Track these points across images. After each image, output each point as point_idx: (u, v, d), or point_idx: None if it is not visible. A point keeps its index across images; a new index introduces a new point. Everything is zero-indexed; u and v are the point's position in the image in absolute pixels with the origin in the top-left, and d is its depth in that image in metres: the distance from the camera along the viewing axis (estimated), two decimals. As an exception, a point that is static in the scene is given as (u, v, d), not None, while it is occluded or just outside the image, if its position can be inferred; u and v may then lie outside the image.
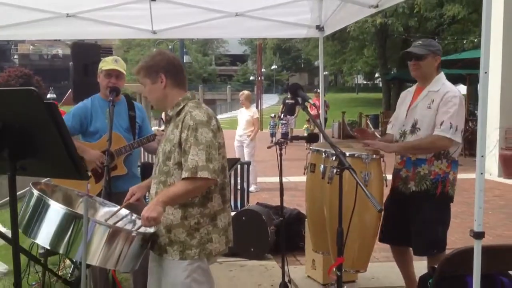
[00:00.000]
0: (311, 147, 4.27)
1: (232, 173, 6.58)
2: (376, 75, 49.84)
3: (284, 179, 4.49)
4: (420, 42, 3.86)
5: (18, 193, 2.20)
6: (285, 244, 4.61)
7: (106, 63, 3.97)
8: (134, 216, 3.05)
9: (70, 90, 6.67)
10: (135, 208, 3.15)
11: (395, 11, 22.79)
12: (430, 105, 3.72)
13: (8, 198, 6.24)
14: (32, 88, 1.86)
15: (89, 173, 3.92)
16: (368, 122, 21.60)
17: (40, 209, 2.52)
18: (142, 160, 7.66)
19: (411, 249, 3.96)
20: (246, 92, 10.36)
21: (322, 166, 3.89)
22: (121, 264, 2.59)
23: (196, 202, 2.72)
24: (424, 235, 3.76)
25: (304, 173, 4.25)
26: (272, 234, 5.56)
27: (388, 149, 3.86)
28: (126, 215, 3.03)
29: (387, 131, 4.24)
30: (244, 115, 9.95)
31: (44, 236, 2.51)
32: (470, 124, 15.62)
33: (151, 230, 2.77)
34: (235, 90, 56.51)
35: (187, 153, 2.63)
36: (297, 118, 19.38)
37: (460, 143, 3.71)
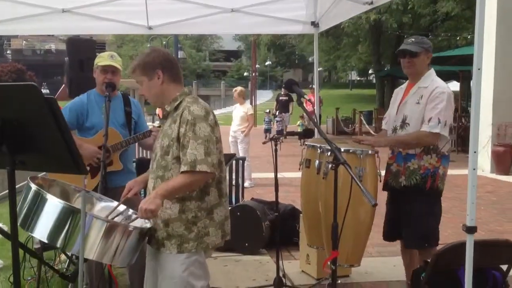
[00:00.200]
0: (306, 143, 4.30)
1: (227, 168, 6.60)
2: (370, 71, 49.95)
3: (278, 175, 4.52)
4: (413, 39, 3.91)
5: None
6: (280, 239, 4.65)
7: (102, 59, 3.97)
8: (131, 211, 3.07)
9: (63, 85, 6.65)
10: (132, 203, 3.18)
11: (389, 8, 22.81)
12: (419, 100, 3.79)
13: (4, 192, 6.21)
14: (32, 83, 1.88)
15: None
16: (362, 118, 21.65)
17: (37, 203, 2.54)
18: (137, 156, 7.65)
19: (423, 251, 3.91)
20: (239, 88, 10.37)
21: (317, 161, 3.93)
22: (118, 258, 2.61)
23: (193, 196, 2.75)
24: (414, 228, 3.82)
25: (299, 169, 4.28)
26: (267, 229, 5.60)
27: (377, 143, 3.93)
28: (123, 210, 3.05)
29: (382, 127, 4.32)
30: (239, 111, 9.97)
31: (41, 230, 2.52)
32: (463, 120, 15.71)
33: (148, 225, 2.80)
34: (229, 86, 56.43)
35: (186, 147, 2.67)
36: (291, 115, 19.36)
37: (448, 138, 3.77)
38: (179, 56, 19.68)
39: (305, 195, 4.24)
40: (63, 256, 4.34)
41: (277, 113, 18.64)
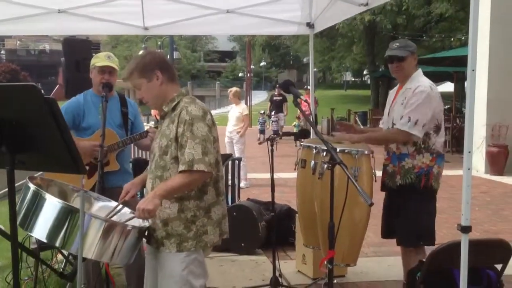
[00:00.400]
0: (301, 143, 4.32)
1: (223, 169, 6.61)
2: (365, 72, 50.05)
3: (274, 176, 4.54)
4: (397, 44, 3.97)
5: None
6: (276, 239, 4.67)
7: (100, 60, 3.98)
8: (129, 210, 3.09)
9: (57, 85, 6.65)
10: (129, 204, 3.20)
11: (383, 9, 22.90)
12: (403, 101, 3.85)
13: (2, 191, 6.17)
14: (32, 83, 1.89)
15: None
16: (357, 118, 21.72)
17: (36, 203, 2.56)
18: (134, 156, 7.66)
19: (417, 249, 3.96)
20: (234, 88, 10.39)
21: (312, 162, 3.96)
22: (116, 257, 2.63)
23: (192, 195, 2.78)
24: (408, 226, 3.86)
25: (294, 169, 4.31)
26: (263, 229, 5.62)
27: (352, 139, 3.95)
28: (120, 210, 3.06)
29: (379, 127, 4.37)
30: (234, 111, 10.00)
31: (40, 230, 2.54)
32: (457, 121, 15.77)
33: (146, 223, 2.82)
34: (224, 87, 56.44)
35: (184, 147, 2.69)
36: (286, 116, 19.30)
37: (419, 137, 3.78)
38: (174, 57, 19.64)
39: (300, 195, 4.27)
40: (59, 256, 4.34)
41: (272, 114, 18.58)
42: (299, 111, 3.40)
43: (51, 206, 2.54)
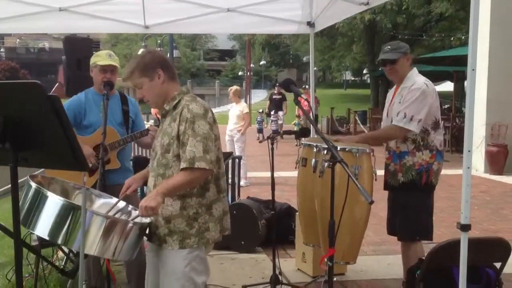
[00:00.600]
0: (302, 142, 4.34)
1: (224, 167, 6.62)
2: (364, 71, 50.02)
3: (274, 174, 4.55)
4: (389, 47, 4.06)
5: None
6: (276, 237, 4.68)
7: (101, 58, 3.98)
8: (130, 207, 3.11)
9: (57, 83, 6.66)
10: (130, 200, 3.22)
11: (383, 8, 22.90)
12: (400, 100, 3.93)
13: (3, 188, 6.18)
14: (36, 81, 1.90)
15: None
16: (357, 118, 21.72)
17: (38, 201, 2.58)
18: (134, 154, 7.67)
19: (415, 245, 4.02)
20: (234, 87, 10.40)
21: (313, 160, 3.97)
22: (118, 254, 2.65)
23: (194, 193, 2.80)
24: (408, 221, 3.94)
25: (295, 167, 4.32)
26: (263, 227, 5.63)
27: (351, 140, 4.08)
28: (122, 206, 3.08)
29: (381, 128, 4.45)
30: (235, 110, 10.02)
31: (42, 227, 2.56)
32: (457, 120, 15.78)
33: (148, 220, 2.84)
34: (223, 85, 56.42)
35: (185, 145, 2.71)
36: (286, 114, 19.28)
37: (416, 132, 3.85)
38: (174, 55, 19.64)
39: (301, 193, 4.28)
40: (60, 253, 4.35)
41: (272, 113, 18.56)
42: (299, 109, 3.42)
43: (53, 203, 2.56)
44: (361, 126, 20.42)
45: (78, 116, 4.04)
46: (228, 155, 6.31)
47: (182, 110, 2.78)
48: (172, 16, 5.75)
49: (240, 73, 61.57)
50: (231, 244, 5.52)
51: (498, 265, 3.35)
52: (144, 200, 2.67)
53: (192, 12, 5.65)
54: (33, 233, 2.85)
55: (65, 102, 4.15)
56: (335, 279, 3.58)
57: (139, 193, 4.99)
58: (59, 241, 2.56)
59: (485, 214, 7.79)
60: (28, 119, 2.01)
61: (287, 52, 65.74)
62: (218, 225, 2.89)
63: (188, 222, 2.80)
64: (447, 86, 24.44)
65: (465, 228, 2.87)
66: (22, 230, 2.71)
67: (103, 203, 3.13)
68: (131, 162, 4.54)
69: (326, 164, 3.47)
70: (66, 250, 3.77)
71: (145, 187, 3.37)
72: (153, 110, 7.23)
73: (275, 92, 19.18)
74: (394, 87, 4.19)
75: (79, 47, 5.43)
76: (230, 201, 6.56)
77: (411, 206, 3.93)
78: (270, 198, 4.76)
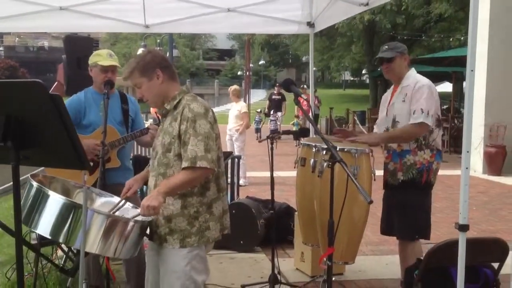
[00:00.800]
0: (301, 142, 4.35)
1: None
2: (363, 71, 50.01)
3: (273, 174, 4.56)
4: (386, 46, 4.12)
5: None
6: (275, 237, 4.69)
7: (102, 58, 3.99)
8: (131, 205, 3.12)
9: (56, 82, 6.65)
10: (130, 199, 3.23)
11: (383, 8, 22.91)
12: (404, 98, 3.96)
13: (2, 187, 6.16)
14: (38, 80, 1.91)
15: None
16: (355, 118, 21.73)
17: (39, 200, 2.59)
18: (134, 153, 7.68)
19: (414, 243, 4.05)
20: (233, 86, 10.43)
21: (312, 160, 3.99)
22: (119, 252, 2.66)
23: (195, 192, 2.81)
24: (408, 220, 3.96)
25: (294, 167, 4.34)
26: (262, 227, 5.64)
27: (370, 140, 4.07)
28: (123, 205, 3.10)
29: (374, 130, 4.44)
30: (234, 109, 10.05)
31: (44, 226, 2.57)
32: (456, 121, 15.80)
33: (149, 218, 2.85)
34: (223, 85, 56.38)
35: (187, 144, 2.73)
36: (284, 115, 19.20)
37: (432, 128, 3.90)
38: (173, 55, 19.63)
39: (300, 193, 4.29)
40: (59, 252, 4.36)
41: (271, 113, 18.53)
42: (299, 109, 3.44)
43: (54, 202, 2.57)
44: (360, 126, 20.41)
45: (77, 116, 4.05)
46: (228, 154, 6.32)
47: (183, 109, 2.79)
48: (172, 15, 5.76)
49: (239, 72, 61.50)
50: (230, 243, 5.53)
51: (496, 265, 3.37)
52: (146, 199, 2.68)
53: (192, 11, 5.66)
54: (33, 232, 2.86)
55: (65, 102, 4.15)
56: (333, 279, 3.60)
57: (139, 193, 5.00)
58: (61, 240, 2.57)
59: (483, 214, 7.80)
60: (30, 118, 2.03)
61: (286, 52, 65.75)
62: (218, 224, 2.91)
63: (189, 221, 2.81)
64: (446, 87, 24.47)
65: (463, 228, 2.89)
66: (22, 228, 2.72)
67: (104, 201, 3.15)
68: (131, 161, 4.55)
69: (325, 164, 3.49)
70: (65, 248, 3.78)
71: (144, 186, 3.38)
72: (152, 109, 7.24)
73: (275, 92, 19.15)
74: (392, 87, 4.22)
75: (79, 46, 5.42)
76: (229, 201, 6.58)
77: (410, 204, 3.95)
78: (269, 197, 4.77)
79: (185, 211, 2.81)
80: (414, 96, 3.89)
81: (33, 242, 4.00)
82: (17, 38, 61.55)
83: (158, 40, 25.56)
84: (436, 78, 19.17)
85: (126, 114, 4.19)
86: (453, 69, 17.30)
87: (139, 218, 2.82)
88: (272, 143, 4.42)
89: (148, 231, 2.89)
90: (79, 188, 3.11)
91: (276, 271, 4.51)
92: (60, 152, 2.11)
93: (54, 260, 4.46)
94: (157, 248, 2.91)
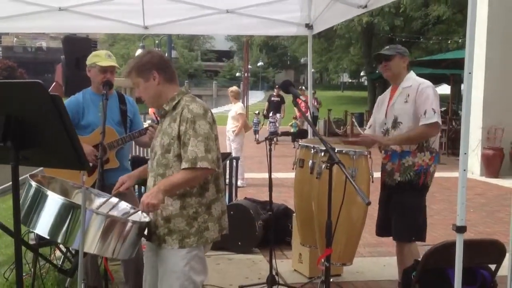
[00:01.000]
0: (299, 143, 4.36)
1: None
2: (362, 73, 50.07)
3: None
4: (387, 47, 4.18)
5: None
6: (273, 238, 4.70)
7: (101, 59, 3.99)
8: (129, 206, 3.13)
9: (54, 83, 6.65)
10: (125, 197, 3.24)
11: (381, 11, 22.96)
12: (407, 99, 3.96)
13: (2, 187, 6.17)
14: (38, 81, 1.92)
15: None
16: (354, 120, 21.74)
17: (38, 200, 2.59)
18: (133, 154, 7.68)
19: (410, 245, 4.05)
20: (231, 88, 10.47)
21: (310, 161, 3.99)
22: (117, 252, 2.67)
23: (194, 192, 2.82)
24: (405, 222, 3.96)
25: (293, 169, 4.34)
26: (260, 228, 5.65)
27: (383, 140, 4.05)
28: (121, 204, 3.10)
29: (365, 132, 4.43)
30: (232, 111, 10.08)
31: (43, 226, 2.57)
32: (454, 123, 15.83)
33: (147, 219, 2.86)
34: (221, 86, 56.37)
35: (187, 145, 2.73)
36: (283, 118, 19.15)
37: (441, 125, 3.96)
38: (172, 56, 19.61)
39: (298, 194, 4.30)
40: (58, 253, 4.37)
41: (270, 114, 18.49)
42: (297, 111, 3.45)
43: (53, 202, 2.58)
44: (358, 128, 20.41)
45: (76, 116, 4.05)
46: (227, 155, 6.33)
47: (182, 110, 2.80)
48: (171, 16, 5.77)
49: (237, 74, 61.54)
50: (228, 244, 5.53)
51: (493, 267, 3.38)
52: (146, 196, 2.69)
53: (191, 13, 5.67)
54: (32, 232, 2.87)
55: (64, 102, 4.16)
56: (331, 280, 3.61)
57: (136, 193, 5.00)
58: (59, 240, 2.58)
59: (481, 216, 7.82)
60: (30, 118, 2.03)
61: (284, 54, 65.84)
62: (217, 225, 2.91)
63: (188, 222, 2.82)
64: (444, 89, 24.48)
65: (460, 230, 2.90)
66: (21, 228, 2.73)
67: (102, 202, 3.15)
68: (129, 162, 4.56)
69: (323, 165, 3.50)
70: (63, 249, 3.79)
71: (143, 187, 3.39)
72: (150, 110, 7.25)
73: (274, 94, 19.12)
74: (389, 88, 4.21)
75: (78, 47, 5.44)
76: (227, 202, 6.58)
77: (408, 206, 3.96)
78: (267, 199, 4.78)
79: (184, 211, 2.81)
80: (420, 96, 3.89)
81: (32, 242, 4.01)
82: (15, 39, 61.49)
83: (157, 41, 25.58)
84: (434, 80, 19.14)
85: (124, 115, 4.20)
86: (451, 71, 17.32)
87: (137, 218, 2.82)
88: (270, 145, 4.43)
89: (146, 232, 2.89)
90: (77, 188, 3.12)
91: (274, 272, 4.51)
92: (60, 152, 2.12)
93: (52, 261, 4.47)
94: (156, 248, 2.92)
